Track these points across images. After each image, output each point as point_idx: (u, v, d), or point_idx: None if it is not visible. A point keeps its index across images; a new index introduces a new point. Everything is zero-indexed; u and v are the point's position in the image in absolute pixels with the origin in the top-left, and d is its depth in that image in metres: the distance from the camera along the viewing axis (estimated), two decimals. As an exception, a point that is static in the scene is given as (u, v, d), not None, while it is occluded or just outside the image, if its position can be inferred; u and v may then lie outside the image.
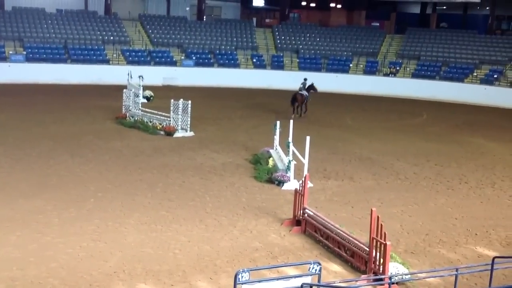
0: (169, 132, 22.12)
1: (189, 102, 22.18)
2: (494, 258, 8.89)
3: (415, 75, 38.64)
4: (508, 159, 20.93)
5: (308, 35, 43.53)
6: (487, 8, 45.49)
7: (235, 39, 42.27)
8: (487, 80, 36.39)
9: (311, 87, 28.10)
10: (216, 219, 13.29)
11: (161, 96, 29.92)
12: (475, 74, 37.48)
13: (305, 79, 28.59)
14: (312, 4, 51.34)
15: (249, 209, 14.18)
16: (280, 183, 16.24)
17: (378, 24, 49.25)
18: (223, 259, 11.09)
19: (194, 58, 39.57)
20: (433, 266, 11.09)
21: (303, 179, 13.07)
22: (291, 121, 17.07)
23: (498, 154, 21.84)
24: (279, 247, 11.87)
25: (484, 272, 9.63)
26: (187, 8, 46.08)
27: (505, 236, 13.20)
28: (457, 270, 8.91)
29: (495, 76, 36.51)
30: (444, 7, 50.86)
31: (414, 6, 52.04)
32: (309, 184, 15.08)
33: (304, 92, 27.49)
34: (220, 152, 20.01)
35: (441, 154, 21.19)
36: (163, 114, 22.99)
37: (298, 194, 13.08)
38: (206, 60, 39.92)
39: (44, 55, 36.32)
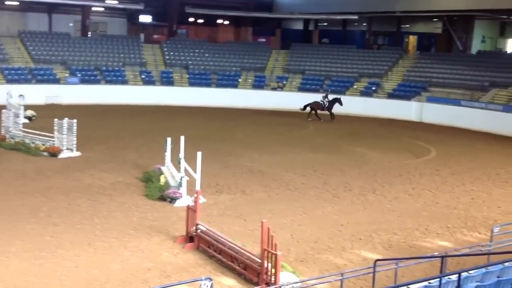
0: (54, 153, 21.20)
1: (75, 121, 21.41)
2: (376, 261, 9.41)
3: (301, 88, 40.07)
4: (387, 166, 22.28)
5: (197, 50, 43.73)
6: (364, 24, 48.30)
7: (122, 55, 41.48)
8: (366, 92, 38.59)
9: (337, 100, 33.93)
10: (106, 241, 12.91)
11: (44, 115, 28.58)
12: (355, 86, 39.58)
13: (326, 90, 34.68)
14: (200, 20, 51.67)
15: (140, 228, 13.93)
16: (173, 200, 16.12)
17: (264, 40, 50.57)
18: (114, 283, 10.79)
19: (79, 75, 38.28)
20: (322, 272, 11.52)
21: (195, 194, 13.08)
22: (182, 137, 17.01)
23: (378, 162, 23.18)
24: (172, 265, 11.76)
25: (368, 275, 10.15)
26: (71, 24, 44.52)
27: (386, 239, 14.02)
28: (342, 275, 9.34)
29: (373, 88, 38.81)
30: (325, 24, 53.31)
31: (297, 23, 54.06)
32: (202, 200, 15.11)
33: (324, 101, 33.72)
34: (109, 171, 19.48)
35: (327, 164, 22.11)
36: (47, 134, 22.00)
37: (191, 210, 13.07)
38: (92, 77, 38.78)
39: None
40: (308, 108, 34.02)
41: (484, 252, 11.43)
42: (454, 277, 7.81)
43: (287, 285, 10.20)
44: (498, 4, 35.98)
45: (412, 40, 48.04)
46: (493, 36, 49.02)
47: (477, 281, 8.37)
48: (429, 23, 50.05)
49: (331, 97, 34.50)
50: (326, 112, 34.18)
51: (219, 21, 52.07)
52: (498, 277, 8.59)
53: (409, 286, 7.55)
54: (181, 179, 16.27)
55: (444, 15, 43.26)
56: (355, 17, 46.20)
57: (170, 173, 17.87)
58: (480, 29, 47.04)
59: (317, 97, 38.50)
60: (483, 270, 8.61)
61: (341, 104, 33.84)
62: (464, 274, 8.07)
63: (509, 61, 39.97)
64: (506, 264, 8.79)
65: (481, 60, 39.53)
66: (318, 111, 33.91)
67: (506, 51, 46.81)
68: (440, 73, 38.42)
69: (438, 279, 8.00)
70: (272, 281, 10.37)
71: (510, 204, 17.47)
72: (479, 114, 32.82)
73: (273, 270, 10.43)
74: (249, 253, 11.33)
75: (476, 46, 45.34)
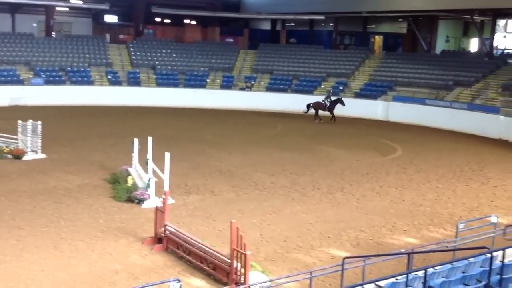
0: (18, 156, 20.75)
1: (39, 122, 21.02)
2: (344, 258, 9.50)
3: (269, 88, 40.17)
4: (355, 165, 22.51)
5: (164, 51, 43.42)
6: (331, 24, 48.74)
7: (87, 55, 40.87)
8: (334, 92, 38.84)
9: (339, 101, 33.68)
10: (72, 244, 12.71)
11: (7, 117, 27.94)
12: (322, 86, 39.86)
13: (329, 91, 34.55)
14: (167, 20, 51.31)
15: (108, 230, 13.75)
16: (140, 201, 15.96)
17: (232, 40, 50.51)
18: (81, 286, 10.63)
19: (43, 76, 37.57)
20: (291, 271, 11.56)
21: (164, 195, 12.98)
22: (150, 138, 16.84)
23: (346, 160, 23.40)
24: (141, 267, 11.64)
25: (337, 273, 10.22)
26: (34, 24, 43.64)
27: (354, 236, 14.16)
28: (311, 273, 9.39)
29: (341, 87, 39.15)
30: (292, 24, 53.60)
31: (265, 23, 54.20)
32: (170, 201, 15.01)
33: (325, 101, 33.77)
34: (76, 173, 19.18)
35: (296, 163, 22.22)
36: (10, 136, 21.54)
37: (159, 211, 12.96)
38: (57, 78, 38.09)
39: None
40: (312, 110, 34.00)
41: (450, 248, 11.64)
42: (420, 273, 7.93)
43: (256, 284, 10.20)
44: (461, 4, 36.76)
45: (378, 40, 48.69)
46: (457, 36, 50.08)
47: (443, 277, 8.52)
48: (395, 23, 50.83)
49: (333, 98, 34.48)
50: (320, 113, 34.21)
51: (186, 21, 51.83)
52: (463, 272, 8.76)
53: (377, 283, 7.63)
54: (149, 180, 16.12)
55: (409, 16, 43.96)
56: (322, 17, 46.57)
57: (137, 174, 17.69)
58: (444, 29, 48.03)
59: (284, 96, 38.83)
60: (449, 266, 8.77)
61: (343, 104, 33.61)
62: (430, 270, 8.21)
63: (473, 60, 40.90)
64: (471, 259, 8.97)
65: (445, 60, 40.31)
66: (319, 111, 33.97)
67: (470, 51, 47.88)
68: (405, 73, 39.01)
69: (405, 275, 8.12)
70: (242, 281, 10.36)
71: (474, 201, 17.85)
72: (444, 112, 33.45)
73: (242, 270, 10.42)
74: (219, 253, 11.30)
75: (440, 45, 46.26)
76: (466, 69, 37.21)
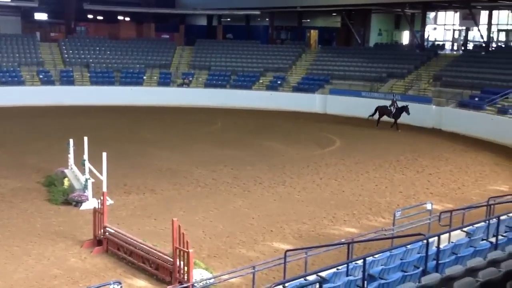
0: None
1: (-33, 125, 20.08)
2: (286, 251, 9.58)
3: (207, 84, 39.94)
4: (295, 158, 22.76)
5: (98, 48, 42.36)
6: (267, 19, 49.01)
7: (17, 54, 39.32)
8: (272, 86, 39.16)
9: (405, 108, 29.90)
10: (8, 250, 12.23)
11: None
12: (261, 81, 40.03)
13: (394, 97, 31.31)
14: (100, 17, 50.07)
15: (44, 235, 13.31)
16: (78, 203, 15.56)
17: (168, 36, 49.89)
18: (18, 293, 10.24)
19: (-30, 77, 35.90)
20: (235, 266, 11.55)
21: (102, 196, 12.69)
22: (86, 138, 16.39)
23: (287, 154, 23.62)
24: (80, 271, 11.34)
25: (280, 266, 10.31)
26: (-41, 23, 41.68)
27: (297, 229, 14.32)
28: (254, 267, 9.42)
29: (279, 82, 39.46)
30: (229, 19, 53.55)
31: (201, 18, 53.86)
32: (109, 201, 14.72)
33: (391, 108, 30.42)
34: (8, 177, 18.45)
35: (237, 159, 22.22)
36: None
37: (98, 213, 12.66)
38: (-15, 79, 36.49)
39: None
40: (377, 115, 31.00)
41: (388, 236, 11.96)
42: (360, 262, 8.09)
43: (200, 282, 10.14)
44: (392, -2, 37.82)
45: (314, 34, 49.39)
46: (389, 29, 51.51)
47: (382, 265, 8.74)
48: (329, 17, 51.72)
49: (400, 104, 30.75)
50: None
51: (120, 17, 50.79)
52: (401, 259, 9.01)
53: (319, 273, 7.73)
54: (86, 181, 15.71)
55: (342, 10, 44.79)
56: (257, 12, 46.73)
57: (74, 176, 17.21)
58: (377, 23, 49.28)
59: (223, 92, 38.78)
60: (388, 253, 9.00)
61: (408, 113, 29.82)
62: (369, 259, 8.40)
63: (405, 52, 42.19)
64: (409, 246, 9.25)
65: (378, 53, 41.39)
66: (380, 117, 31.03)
67: (402, 43, 49.35)
68: (341, 66, 39.74)
69: (346, 265, 8.27)
70: (185, 279, 10.27)
71: (410, 189, 18.43)
72: (379, 104, 34.27)
73: (185, 268, 10.32)
74: (161, 252, 11.16)
75: (373, 39, 47.44)
76: (398, 61, 38.32)
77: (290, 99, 37.37)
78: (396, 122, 30.31)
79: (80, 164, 16.67)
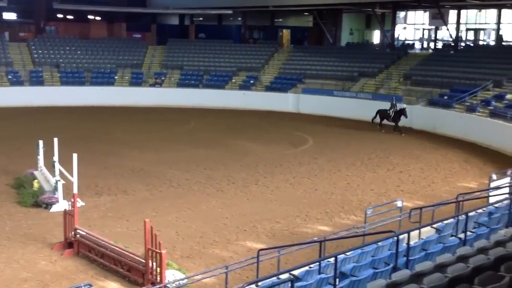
0: None
1: None
2: (259, 250, 9.59)
3: (180, 84, 39.74)
4: (268, 157, 22.80)
5: (68, 48, 41.79)
6: (239, 19, 48.97)
7: (-15, 55, 38.58)
8: (245, 86, 39.16)
9: (402, 111, 29.13)
10: (-24, 255, 11.99)
11: None
12: (233, 80, 40.00)
13: (394, 100, 29.95)
14: (70, 17, 49.33)
15: (14, 238, 13.10)
16: (48, 205, 15.34)
17: (139, 35, 49.43)
18: (-14, 298, 10.06)
19: None
20: (208, 266, 11.53)
21: (72, 198, 12.53)
22: (56, 139, 16.13)
23: (260, 153, 23.65)
24: (51, 274, 11.18)
25: (253, 265, 10.31)
26: None
27: (270, 228, 14.35)
28: (227, 267, 9.41)
29: (252, 81, 39.49)
30: (201, 19, 53.33)
31: (173, 18, 53.51)
32: (80, 203, 14.56)
33: (390, 111, 29.43)
34: (-24, 180, 18.08)
35: (210, 158, 22.17)
36: None
37: (68, 215, 12.51)
38: (-48, 79, 35.68)
39: None
40: (378, 118, 29.96)
41: (359, 234, 12.06)
42: (332, 260, 8.15)
43: (173, 283, 10.09)
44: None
45: (286, 34, 49.47)
46: (360, 29, 51.99)
47: (353, 262, 8.81)
48: (301, 17, 51.92)
49: (399, 107, 29.64)
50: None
51: (91, 17, 50.11)
52: (372, 256, 9.10)
53: (291, 272, 7.76)
54: (56, 183, 15.49)
55: (314, 9, 45.01)
56: (230, 11, 46.67)
57: (44, 178, 16.96)
58: (348, 22, 49.69)
59: (195, 92, 38.63)
60: (359, 251, 9.08)
61: (406, 116, 29.03)
62: (341, 256, 8.47)
63: (375, 51, 42.65)
64: (380, 243, 9.34)
65: (350, 52, 41.77)
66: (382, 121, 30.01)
67: (373, 42, 49.85)
68: (313, 65, 39.95)
69: (318, 263, 8.32)
70: (158, 280, 10.21)
71: (382, 187, 18.63)
72: (351, 103, 34.61)
73: (158, 269, 10.27)
74: (133, 254, 11.08)
75: (345, 38, 47.82)
76: (369, 60, 38.69)
77: (263, 99, 37.41)
78: (398, 126, 29.25)
79: (50, 165, 16.42)
